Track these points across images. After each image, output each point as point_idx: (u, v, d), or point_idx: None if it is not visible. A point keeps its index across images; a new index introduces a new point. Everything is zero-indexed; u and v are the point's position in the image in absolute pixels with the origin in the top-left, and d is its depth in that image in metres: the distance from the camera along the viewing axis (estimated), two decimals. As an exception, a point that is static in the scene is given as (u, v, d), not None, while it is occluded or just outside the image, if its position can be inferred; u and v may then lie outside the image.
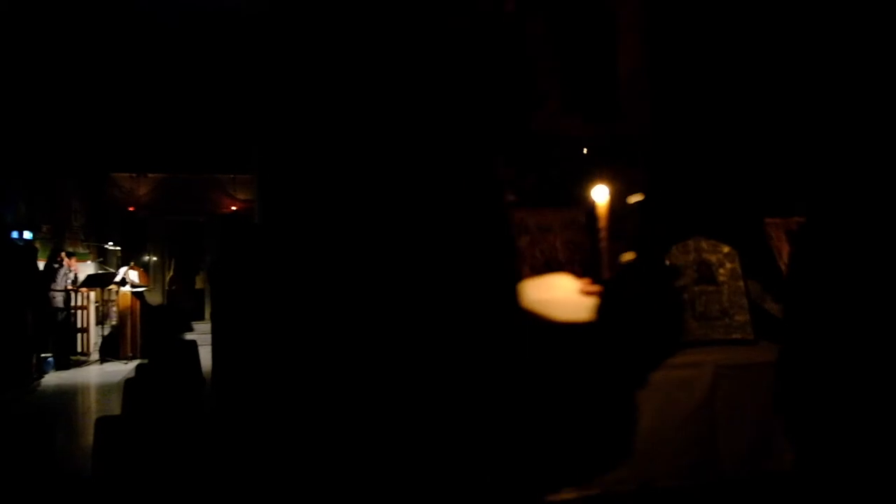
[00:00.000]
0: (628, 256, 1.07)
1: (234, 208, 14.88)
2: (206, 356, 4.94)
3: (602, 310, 1.01)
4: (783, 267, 3.59)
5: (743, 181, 3.03)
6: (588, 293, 1.11)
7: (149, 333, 11.40)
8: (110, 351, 11.63)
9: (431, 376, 0.98)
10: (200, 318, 13.96)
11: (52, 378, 10.08)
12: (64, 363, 10.84)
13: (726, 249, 3.64)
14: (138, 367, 6.04)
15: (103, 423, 4.65)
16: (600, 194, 1.34)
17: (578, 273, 1.22)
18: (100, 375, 10.48)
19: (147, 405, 5.25)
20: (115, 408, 6.09)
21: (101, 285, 12.19)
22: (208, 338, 4.57)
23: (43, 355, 10.39)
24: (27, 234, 11.24)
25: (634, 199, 1.62)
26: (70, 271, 11.40)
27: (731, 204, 3.07)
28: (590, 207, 3.13)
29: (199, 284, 15.96)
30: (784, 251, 3.59)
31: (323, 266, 1.16)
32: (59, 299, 11.10)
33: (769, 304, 3.60)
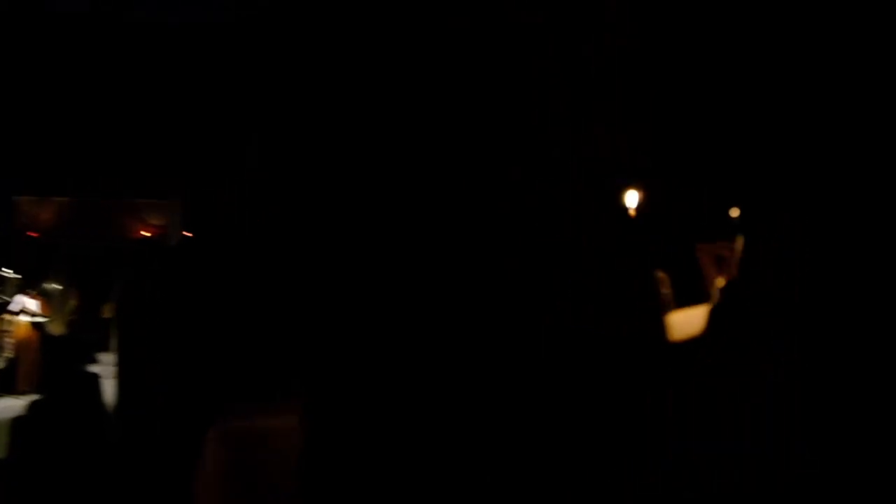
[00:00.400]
0: (721, 283, 1.15)
1: (146, 234, 14.39)
2: (111, 389, 4.70)
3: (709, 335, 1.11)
4: (711, 292, 3.58)
5: (678, 202, 2.94)
6: None
7: (47, 366, 10.84)
8: (4, 385, 10.97)
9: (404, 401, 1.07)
10: (106, 349, 13.29)
11: (-66, 416, 9.30)
12: (-52, 399, 10.12)
13: (660, 275, 3.54)
14: (32, 404, 5.56)
15: (-21, 469, 4.19)
16: (631, 199, 1.38)
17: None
18: (-11, 412, 9.74)
19: (38, 447, 4.81)
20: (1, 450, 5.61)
21: (-6, 315, 11.60)
22: (115, 369, 4.37)
23: (-74, 391, 9.68)
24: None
25: (734, 213, 1.54)
26: (-39, 299, 10.79)
27: (665, 226, 2.98)
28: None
29: (106, 313, 15.24)
30: (712, 276, 3.54)
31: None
32: (-54, 330, 10.47)
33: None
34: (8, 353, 11.66)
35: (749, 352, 1.38)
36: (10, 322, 11.63)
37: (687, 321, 1.30)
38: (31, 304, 11.49)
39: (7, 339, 11.84)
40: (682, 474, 1.35)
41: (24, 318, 11.20)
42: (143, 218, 14.56)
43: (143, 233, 14.43)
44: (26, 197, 14.51)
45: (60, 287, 15.05)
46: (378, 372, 1.16)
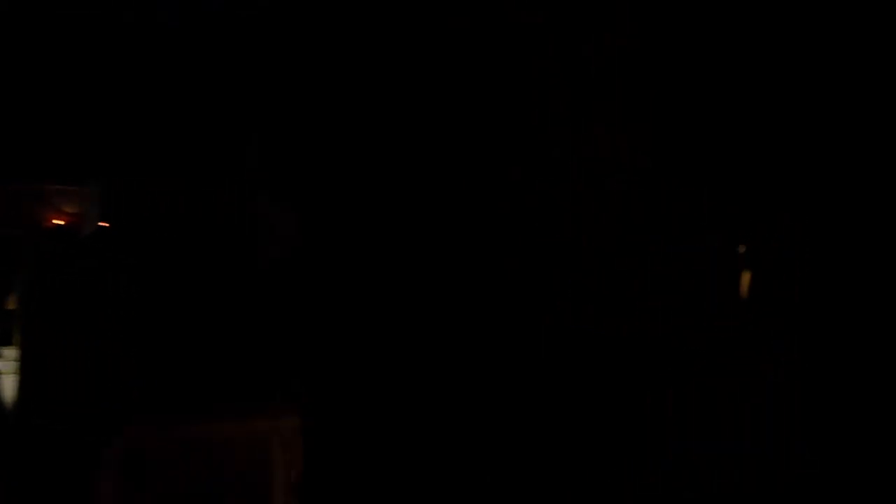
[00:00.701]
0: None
1: (58, 222, 13.62)
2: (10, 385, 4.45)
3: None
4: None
5: (678, 202, 2.95)
6: None
7: (-54, 361, 10.11)
8: None
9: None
10: (8, 342, 12.60)
11: None
12: None
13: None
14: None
15: None
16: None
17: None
18: None
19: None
20: None
21: None
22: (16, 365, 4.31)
23: None
24: None
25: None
26: None
27: (665, 226, 2.99)
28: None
29: (10, 305, 14.43)
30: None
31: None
32: None
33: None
34: None
35: (749, 352, 1.40)
36: None
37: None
38: (-72, 293, 10.68)
39: None
40: (682, 474, 1.36)
41: (-80, 309, 10.40)
42: (55, 204, 13.82)
43: (54, 221, 13.70)
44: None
45: (-40, 276, 14.20)
46: (377, 372, 1.14)
